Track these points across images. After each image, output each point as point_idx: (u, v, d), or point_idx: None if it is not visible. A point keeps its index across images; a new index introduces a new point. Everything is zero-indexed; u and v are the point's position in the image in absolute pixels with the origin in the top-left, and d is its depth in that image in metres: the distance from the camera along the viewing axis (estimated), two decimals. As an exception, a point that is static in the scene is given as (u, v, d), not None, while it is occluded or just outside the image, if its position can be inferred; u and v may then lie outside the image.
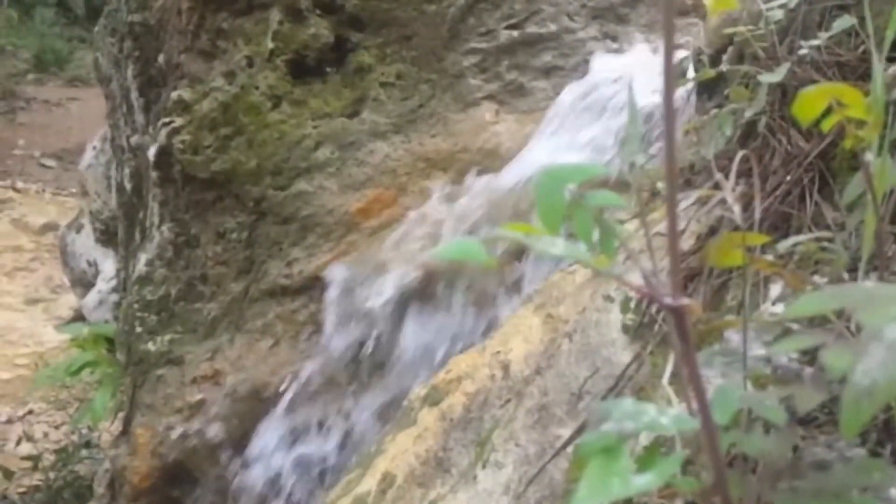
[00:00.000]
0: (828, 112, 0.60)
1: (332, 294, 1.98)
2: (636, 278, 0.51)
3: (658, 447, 0.69)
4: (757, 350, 0.64)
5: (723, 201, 0.96)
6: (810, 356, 0.62)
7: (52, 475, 3.16)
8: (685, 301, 0.41)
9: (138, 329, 2.19)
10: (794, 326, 0.66)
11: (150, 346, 2.17)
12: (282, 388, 2.02)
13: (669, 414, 0.45)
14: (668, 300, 0.41)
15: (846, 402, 0.35)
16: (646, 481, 0.41)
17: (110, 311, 2.98)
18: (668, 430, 0.43)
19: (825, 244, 0.77)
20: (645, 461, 0.44)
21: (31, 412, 3.89)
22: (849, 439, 0.56)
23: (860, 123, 0.61)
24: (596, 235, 0.49)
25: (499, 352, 1.28)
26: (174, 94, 2.10)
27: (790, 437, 0.60)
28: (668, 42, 0.41)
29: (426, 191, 2.05)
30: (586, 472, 0.41)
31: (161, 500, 2.19)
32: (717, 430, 0.45)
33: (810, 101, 0.55)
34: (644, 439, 0.75)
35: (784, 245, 0.69)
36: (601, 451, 0.42)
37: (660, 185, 1.18)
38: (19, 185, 7.27)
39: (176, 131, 2.08)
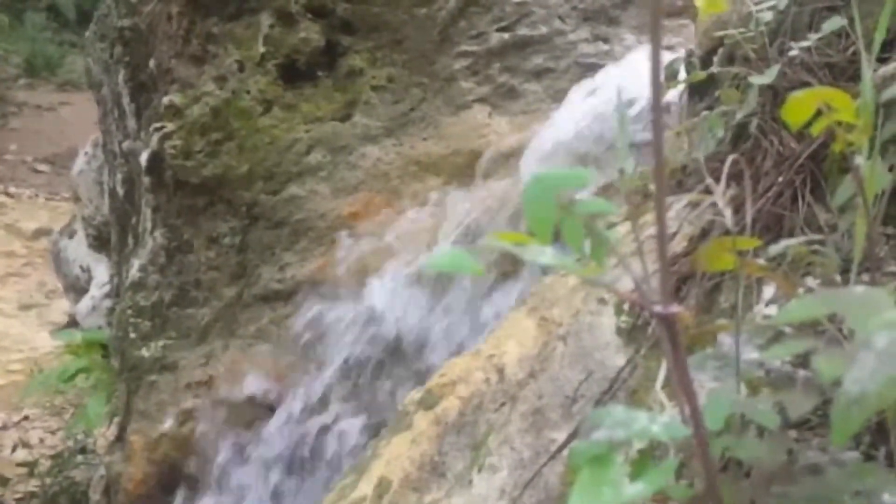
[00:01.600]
0: (817, 115, 0.60)
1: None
2: (627, 283, 0.51)
3: (652, 452, 0.69)
4: (750, 353, 0.64)
5: (714, 205, 0.96)
6: (803, 358, 0.62)
7: (47, 481, 3.15)
8: (675, 308, 0.41)
9: (132, 335, 2.18)
10: (787, 330, 0.67)
11: (144, 352, 2.17)
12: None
13: (661, 421, 0.45)
14: (658, 308, 0.41)
15: (837, 410, 0.35)
16: (637, 490, 0.40)
17: (103, 317, 2.97)
18: (660, 438, 0.43)
19: (817, 247, 0.78)
20: (637, 468, 0.44)
21: (26, 418, 3.87)
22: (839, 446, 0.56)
23: (850, 127, 0.61)
24: (586, 243, 0.48)
25: (493, 355, 1.28)
26: (165, 100, 2.09)
27: (783, 441, 0.60)
28: (655, 44, 0.41)
29: (418, 194, 2.05)
30: (578, 481, 0.41)
31: (156, 506, 2.18)
32: (708, 437, 0.45)
33: (799, 106, 0.55)
34: (638, 443, 0.74)
35: (776, 248, 0.69)
36: (593, 460, 0.42)
37: (651, 186, 1.18)
38: (11, 190, 7.25)
39: (167, 136, 2.08)
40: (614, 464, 0.41)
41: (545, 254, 0.41)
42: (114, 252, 2.79)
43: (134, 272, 2.22)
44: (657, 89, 0.42)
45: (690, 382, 0.43)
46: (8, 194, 7.16)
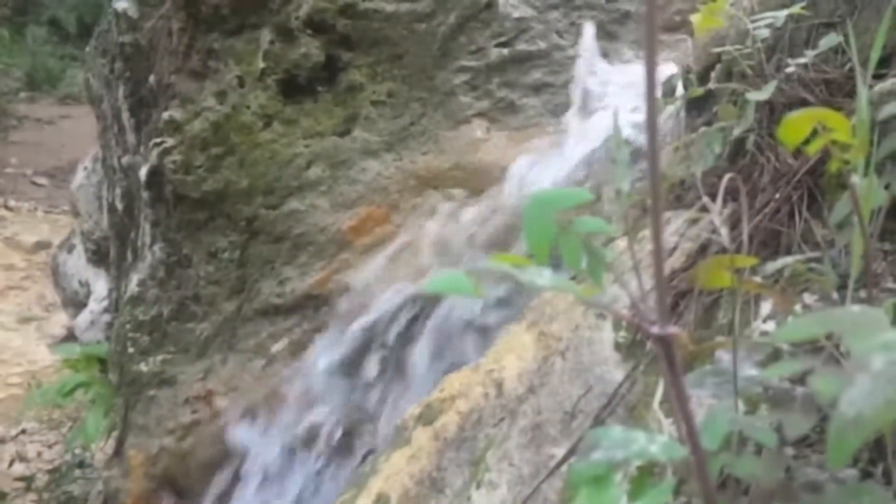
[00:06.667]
0: (814, 134, 0.60)
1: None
2: (626, 300, 0.51)
3: (650, 470, 0.69)
4: (748, 370, 0.64)
5: (711, 223, 0.96)
6: (801, 375, 0.62)
7: (45, 496, 3.14)
8: (672, 329, 0.41)
9: (130, 349, 2.18)
10: (785, 347, 0.67)
11: (143, 367, 2.16)
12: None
13: (659, 441, 0.45)
14: (655, 329, 0.41)
15: (833, 433, 0.35)
16: (636, 510, 0.41)
17: (102, 332, 2.97)
18: (658, 458, 0.43)
19: (814, 264, 0.78)
20: (636, 487, 0.44)
21: (24, 432, 3.86)
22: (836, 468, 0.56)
23: (845, 146, 0.62)
24: (584, 262, 0.49)
25: (492, 370, 1.28)
26: (165, 115, 2.10)
27: (781, 458, 0.60)
28: (650, 61, 0.42)
29: (418, 208, 2.05)
30: (577, 502, 0.41)
31: (155, 521, 2.18)
32: (705, 457, 0.45)
33: (796, 125, 0.56)
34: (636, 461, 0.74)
35: (773, 265, 0.70)
36: (591, 481, 0.42)
37: (649, 202, 1.18)
38: (11, 203, 7.26)
39: (167, 151, 2.08)
40: (613, 485, 0.42)
41: (543, 275, 0.42)
42: (113, 266, 2.79)
43: (133, 286, 2.22)
44: (652, 105, 0.43)
45: (687, 402, 0.44)
46: (8, 207, 7.16)
